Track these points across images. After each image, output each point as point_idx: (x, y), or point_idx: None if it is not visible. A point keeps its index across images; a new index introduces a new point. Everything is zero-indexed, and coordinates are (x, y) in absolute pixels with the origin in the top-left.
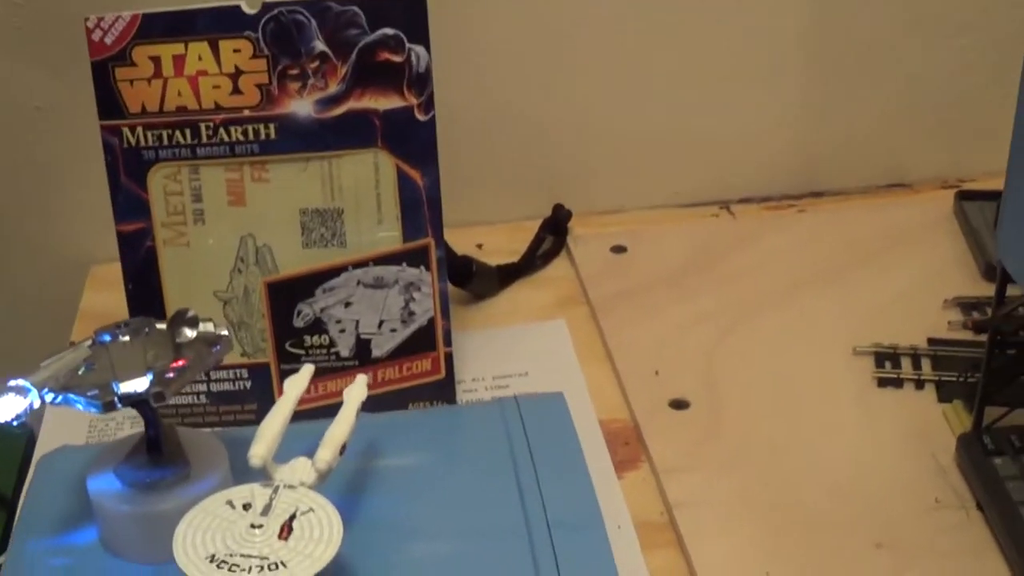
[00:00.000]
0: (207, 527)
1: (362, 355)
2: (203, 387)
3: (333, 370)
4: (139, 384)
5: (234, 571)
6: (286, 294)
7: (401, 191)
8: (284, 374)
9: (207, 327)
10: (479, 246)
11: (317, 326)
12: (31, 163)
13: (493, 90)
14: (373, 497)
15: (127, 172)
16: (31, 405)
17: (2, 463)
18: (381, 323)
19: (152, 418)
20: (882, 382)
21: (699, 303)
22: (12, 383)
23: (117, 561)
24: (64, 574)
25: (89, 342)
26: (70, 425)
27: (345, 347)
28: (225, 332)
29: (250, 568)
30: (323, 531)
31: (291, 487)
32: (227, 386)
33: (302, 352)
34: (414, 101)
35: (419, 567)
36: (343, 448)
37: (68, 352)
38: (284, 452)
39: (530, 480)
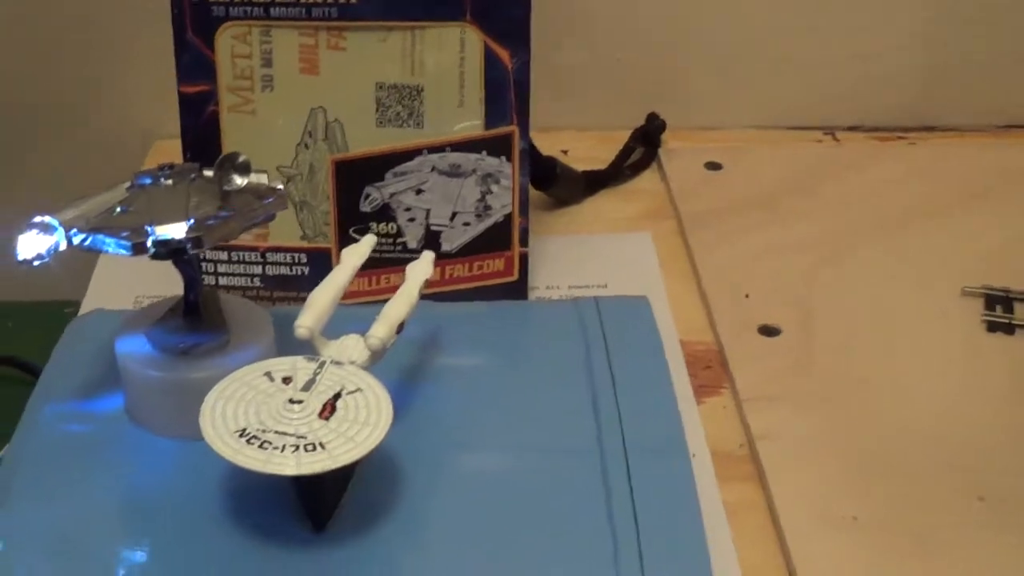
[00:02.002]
0: (240, 398)
1: (430, 248)
2: (258, 269)
3: (398, 262)
4: (177, 230)
5: (265, 448)
6: (355, 175)
7: (487, 72)
8: None
9: (260, 178)
10: (564, 152)
11: (385, 213)
12: (95, 26)
13: None
14: (427, 395)
15: (194, 28)
16: (56, 245)
17: (45, 340)
18: (454, 215)
19: (192, 276)
20: (992, 326)
21: (797, 229)
22: (37, 219)
23: (141, 432)
24: (82, 442)
25: (128, 184)
26: (115, 301)
27: (413, 238)
28: (280, 186)
29: (283, 447)
30: (370, 414)
31: (338, 364)
32: (284, 270)
33: None
34: None
35: (471, 479)
36: (400, 327)
37: (102, 193)
38: (336, 333)
39: (607, 392)
